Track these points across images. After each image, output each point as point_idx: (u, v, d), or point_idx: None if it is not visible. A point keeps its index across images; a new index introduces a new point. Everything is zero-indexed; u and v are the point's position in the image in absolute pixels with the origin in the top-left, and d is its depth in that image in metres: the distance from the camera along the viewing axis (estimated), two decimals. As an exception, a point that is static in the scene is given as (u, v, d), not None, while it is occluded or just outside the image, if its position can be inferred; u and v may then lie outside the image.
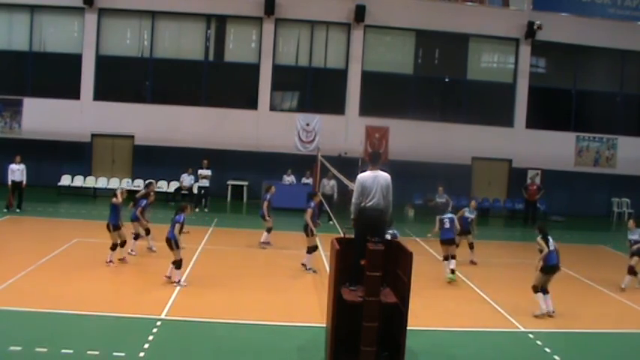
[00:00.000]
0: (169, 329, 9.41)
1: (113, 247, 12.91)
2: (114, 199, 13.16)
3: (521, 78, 25.66)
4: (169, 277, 11.84)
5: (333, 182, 20.51)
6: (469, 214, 15.29)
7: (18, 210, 18.60)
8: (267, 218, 15.62)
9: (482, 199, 24.90)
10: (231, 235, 17.63)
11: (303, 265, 13.53)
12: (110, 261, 12.83)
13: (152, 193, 14.98)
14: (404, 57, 25.71)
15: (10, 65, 24.85)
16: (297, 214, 19.41)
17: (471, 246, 15.21)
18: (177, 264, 11.76)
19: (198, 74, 25.10)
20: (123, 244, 13.16)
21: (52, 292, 10.86)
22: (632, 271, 13.47)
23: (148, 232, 14.37)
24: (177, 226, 11.92)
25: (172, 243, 11.83)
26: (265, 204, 15.59)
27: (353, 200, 8.27)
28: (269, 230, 15.77)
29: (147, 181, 17.72)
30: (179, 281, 11.69)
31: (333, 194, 20.51)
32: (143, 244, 14.32)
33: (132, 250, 13.93)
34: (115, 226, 12.96)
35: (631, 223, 13.96)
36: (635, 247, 13.51)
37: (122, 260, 13.17)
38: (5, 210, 18.44)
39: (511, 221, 24.19)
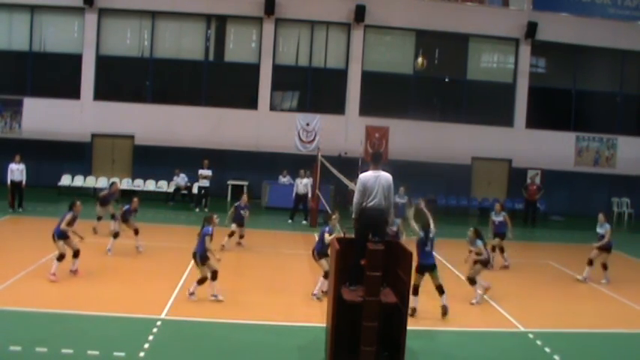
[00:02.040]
0: (169, 329, 9.41)
1: (60, 258, 11.59)
2: (72, 214, 11.92)
3: (521, 78, 25.65)
4: (215, 296, 10.80)
5: (306, 181, 20.11)
6: (495, 217, 15.26)
7: (20, 209, 18.67)
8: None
9: (481, 199, 24.94)
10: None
11: (314, 294, 11.50)
12: (53, 274, 11.42)
13: (136, 200, 14.80)
14: (404, 57, 25.69)
15: (10, 65, 24.84)
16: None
17: (502, 249, 15.15)
18: (201, 281, 10.81)
19: (198, 74, 25.11)
20: (76, 254, 11.95)
21: (52, 292, 10.88)
22: (591, 262, 14.06)
23: (136, 232, 14.37)
24: (207, 239, 10.71)
25: (197, 257, 10.84)
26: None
27: (354, 200, 8.27)
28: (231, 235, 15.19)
29: (110, 181, 17.84)
30: (192, 293, 10.80)
31: (307, 193, 20.08)
32: (126, 244, 14.34)
33: (109, 250, 13.93)
34: (60, 236, 11.77)
35: (601, 217, 14.27)
36: (603, 241, 13.95)
37: (75, 272, 12.00)
38: (11, 210, 18.57)
39: (511, 221, 24.13)
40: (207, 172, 21.61)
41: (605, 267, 14.02)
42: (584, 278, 14.03)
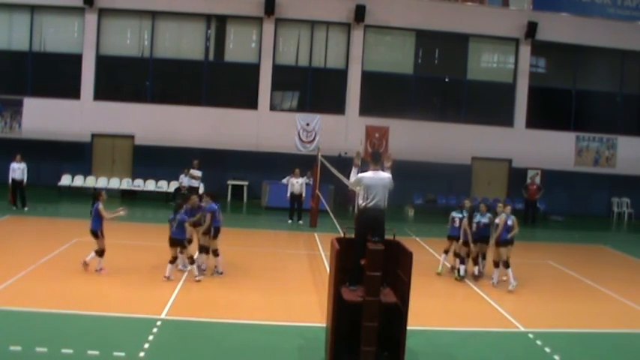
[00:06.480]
0: (169, 329, 9.41)
1: (101, 254, 12.10)
2: (101, 205, 12.03)
3: (521, 78, 25.65)
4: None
5: (301, 180, 19.99)
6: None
7: (25, 209, 18.79)
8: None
9: (481, 199, 24.92)
10: (231, 235, 17.56)
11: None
12: (101, 268, 12.04)
13: (194, 197, 13.29)
14: (404, 57, 25.70)
15: (10, 65, 24.85)
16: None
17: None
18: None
19: (198, 74, 25.11)
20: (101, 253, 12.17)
21: (52, 292, 10.87)
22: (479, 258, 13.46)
23: (215, 252, 12.90)
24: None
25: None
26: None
27: (360, 201, 8.29)
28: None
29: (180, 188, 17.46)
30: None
31: (302, 193, 19.91)
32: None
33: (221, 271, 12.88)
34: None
35: (482, 207, 13.90)
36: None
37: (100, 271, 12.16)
38: (14, 208, 18.72)
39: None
40: (198, 173, 21.47)
41: (496, 265, 13.02)
42: (496, 282, 13.11)
